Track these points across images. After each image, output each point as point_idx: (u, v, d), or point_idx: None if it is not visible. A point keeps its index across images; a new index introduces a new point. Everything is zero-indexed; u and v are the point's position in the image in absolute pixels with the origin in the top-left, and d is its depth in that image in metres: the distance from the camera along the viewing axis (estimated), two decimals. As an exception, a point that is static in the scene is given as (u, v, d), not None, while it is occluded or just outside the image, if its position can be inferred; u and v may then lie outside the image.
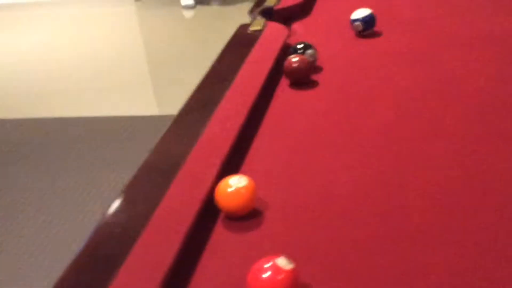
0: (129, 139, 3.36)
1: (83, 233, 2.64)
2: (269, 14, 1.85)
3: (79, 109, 3.85)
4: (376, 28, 1.73)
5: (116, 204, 1.06)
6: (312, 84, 1.49)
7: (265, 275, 0.84)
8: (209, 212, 1.04)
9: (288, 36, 1.71)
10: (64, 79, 4.34)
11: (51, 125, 3.68)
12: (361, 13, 1.70)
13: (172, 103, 3.82)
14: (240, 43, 1.68)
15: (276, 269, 0.84)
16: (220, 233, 1.02)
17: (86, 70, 4.43)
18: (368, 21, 1.70)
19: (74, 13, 5.67)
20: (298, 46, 1.54)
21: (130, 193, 1.09)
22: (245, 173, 1.13)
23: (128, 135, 3.42)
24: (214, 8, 4.95)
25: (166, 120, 1.38)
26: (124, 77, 4.22)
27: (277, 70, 1.52)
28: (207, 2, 4.50)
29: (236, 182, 1.03)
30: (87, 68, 4.47)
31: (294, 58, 1.47)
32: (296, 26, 1.84)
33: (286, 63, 1.48)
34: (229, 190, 1.03)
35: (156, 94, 4.09)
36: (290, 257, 0.86)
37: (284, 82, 1.50)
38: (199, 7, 5.26)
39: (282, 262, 0.85)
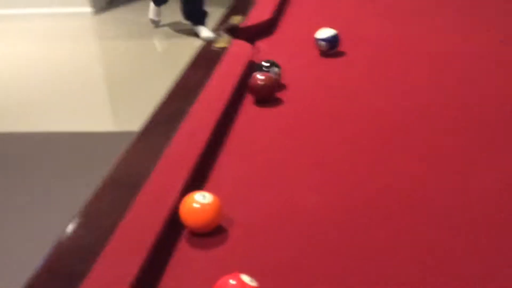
0: (88, 156, 3.31)
1: (42, 249, 2.58)
2: (235, 31, 1.85)
3: (37, 124, 3.78)
4: (340, 48, 1.74)
5: (76, 220, 1.04)
6: (276, 102, 1.49)
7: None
8: (173, 228, 1.03)
9: (253, 53, 1.71)
10: (20, 94, 4.26)
11: (7, 140, 3.60)
12: (325, 32, 1.72)
13: (131, 119, 3.78)
14: (205, 60, 1.67)
15: (242, 285, 0.83)
16: (184, 250, 1.00)
17: (43, 85, 4.36)
18: (332, 41, 1.72)
19: (30, 27, 5.58)
20: (264, 64, 1.54)
21: (91, 209, 1.07)
22: (210, 190, 1.12)
23: (87, 151, 3.36)
24: (178, 24, 4.93)
25: (126, 136, 1.36)
26: (83, 93, 4.16)
27: (242, 87, 1.51)
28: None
29: (201, 199, 1.02)
30: (44, 82, 4.40)
31: (259, 76, 1.47)
32: (261, 44, 1.84)
33: (251, 81, 1.48)
34: (194, 206, 1.02)
35: (115, 111, 4.05)
36: (253, 274, 0.85)
37: (249, 100, 1.50)
38: (166, 20, 5.24)
39: (246, 279, 0.84)
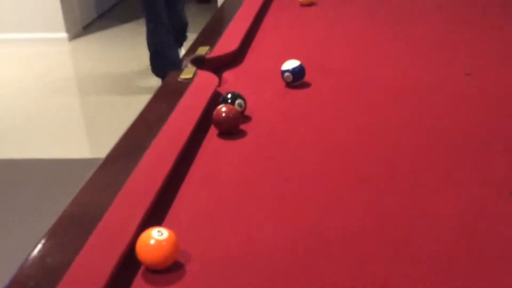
0: (56, 183, 3.28)
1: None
2: (200, 62, 1.85)
3: (4, 151, 3.74)
4: (305, 79, 1.76)
5: (32, 256, 1.02)
6: (240, 134, 1.49)
7: None
8: (129, 264, 1.02)
9: (218, 85, 1.72)
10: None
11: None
12: (291, 64, 1.73)
13: (105, 146, 3.76)
14: (170, 91, 1.68)
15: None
16: (140, 286, 0.99)
17: (17, 110, 4.33)
18: (298, 72, 1.73)
19: (5, 52, 5.55)
20: (228, 96, 1.55)
21: (47, 245, 1.06)
22: (169, 224, 1.11)
23: (59, 177, 3.33)
24: (147, 51, 4.94)
25: (98, 163, 1.35)
26: (55, 119, 4.14)
27: (206, 119, 1.52)
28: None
29: (157, 235, 1.01)
30: (18, 107, 4.37)
31: (223, 108, 1.47)
32: (227, 75, 1.85)
33: (215, 113, 1.48)
34: (150, 242, 1.01)
35: (90, 137, 4.03)
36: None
37: (213, 131, 1.50)
38: (135, 46, 5.24)
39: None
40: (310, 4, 2.55)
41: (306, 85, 1.76)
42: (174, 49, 4.16)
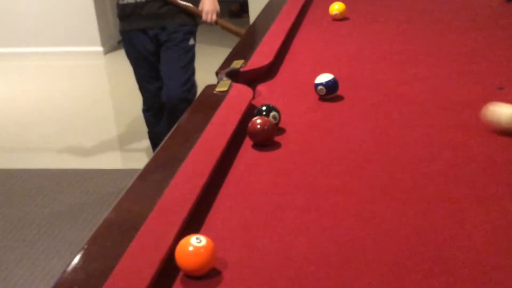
0: (92, 193, 3.35)
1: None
2: (235, 75, 1.89)
3: (43, 161, 3.83)
4: (338, 92, 1.78)
5: (75, 261, 1.06)
6: (275, 146, 1.52)
7: None
8: (168, 271, 1.05)
9: (253, 98, 1.76)
10: (33, 131, 4.33)
11: (13, 175, 3.64)
12: (324, 77, 1.76)
13: (138, 157, 3.83)
14: (206, 104, 1.72)
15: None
16: (178, 293, 1.03)
17: (51, 122, 4.43)
18: (331, 86, 1.75)
19: (41, 65, 5.69)
20: (262, 108, 1.58)
21: (90, 250, 1.10)
22: (206, 233, 1.15)
23: (91, 188, 3.40)
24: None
25: (131, 174, 1.40)
26: (93, 130, 4.22)
27: (241, 131, 1.55)
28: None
29: (195, 242, 1.04)
30: (52, 120, 4.47)
31: (258, 120, 1.51)
32: (261, 88, 1.88)
33: (250, 124, 1.51)
34: (189, 249, 1.04)
35: (123, 148, 4.10)
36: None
37: (247, 143, 1.53)
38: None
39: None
40: (342, 19, 2.57)
41: (339, 98, 1.78)
42: (155, 126, 3.37)
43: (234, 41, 2.35)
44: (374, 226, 1.18)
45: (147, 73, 3.23)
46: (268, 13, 2.64)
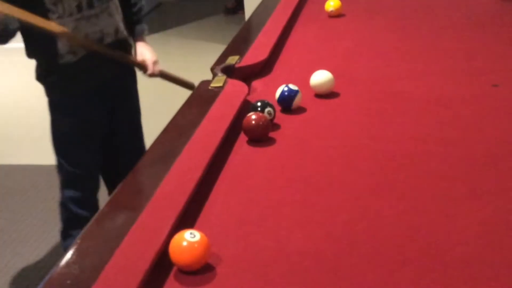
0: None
1: (32, 286, 2.59)
2: (230, 71, 1.89)
3: (37, 158, 3.81)
4: (334, 89, 1.78)
5: (68, 256, 1.06)
6: (269, 142, 1.52)
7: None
8: (162, 266, 1.05)
9: (248, 93, 1.75)
10: (23, 127, 4.31)
11: (6, 171, 3.63)
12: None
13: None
14: (201, 99, 1.71)
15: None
16: (172, 287, 1.02)
17: (45, 118, 4.40)
18: (284, 100, 1.66)
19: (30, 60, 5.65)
20: (258, 104, 1.57)
21: (83, 245, 1.09)
22: (200, 228, 1.14)
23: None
24: (176, 61, 4.99)
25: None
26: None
27: (236, 127, 1.55)
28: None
29: (189, 237, 1.04)
30: (46, 116, 4.44)
31: (253, 116, 1.50)
32: (256, 83, 1.88)
33: (245, 120, 1.51)
34: (183, 244, 1.04)
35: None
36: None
37: (242, 139, 1.53)
38: (164, 57, 5.30)
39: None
40: (338, 15, 2.57)
41: (334, 94, 1.78)
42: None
43: (230, 37, 2.34)
44: (368, 221, 1.18)
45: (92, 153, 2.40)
46: (263, 9, 2.63)
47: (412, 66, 2.01)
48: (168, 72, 2.60)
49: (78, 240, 1.09)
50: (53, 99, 2.29)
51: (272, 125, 1.56)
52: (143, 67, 2.39)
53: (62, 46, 2.13)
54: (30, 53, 2.23)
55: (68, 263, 1.04)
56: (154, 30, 6.21)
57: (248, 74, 1.91)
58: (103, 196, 2.45)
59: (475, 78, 1.87)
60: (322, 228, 1.17)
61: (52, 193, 3.29)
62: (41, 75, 2.26)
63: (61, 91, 2.25)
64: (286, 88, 1.66)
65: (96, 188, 2.41)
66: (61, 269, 1.03)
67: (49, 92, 2.27)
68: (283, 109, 1.67)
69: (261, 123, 1.50)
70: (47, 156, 3.77)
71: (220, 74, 1.84)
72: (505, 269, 1.02)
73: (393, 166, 1.39)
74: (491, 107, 1.67)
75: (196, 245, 1.04)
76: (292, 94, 1.65)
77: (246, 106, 1.62)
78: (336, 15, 2.56)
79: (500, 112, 1.63)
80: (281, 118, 1.61)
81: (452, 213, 1.19)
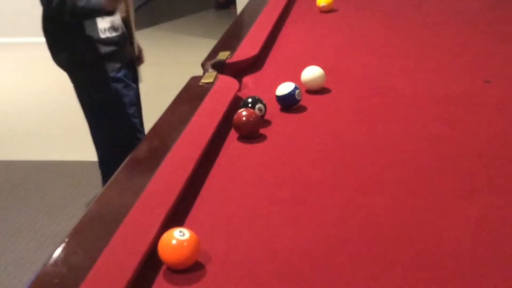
0: (76, 185, 3.31)
1: (21, 283, 2.58)
2: (221, 67, 1.87)
3: (26, 153, 3.79)
4: (325, 85, 1.77)
5: (56, 254, 1.04)
6: (260, 138, 1.51)
7: None
8: (151, 264, 1.04)
9: (239, 89, 1.74)
10: (13, 122, 4.28)
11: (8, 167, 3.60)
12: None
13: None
14: (191, 95, 1.70)
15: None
16: (161, 286, 1.01)
17: (35, 114, 4.38)
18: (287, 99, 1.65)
19: (22, 56, 5.62)
20: (248, 100, 1.56)
21: (71, 243, 1.08)
22: (190, 225, 1.13)
23: (76, 180, 3.37)
24: (167, 56, 4.97)
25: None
26: (75, 122, 4.17)
27: (227, 123, 1.53)
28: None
29: (178, 235, 1.03)
30: (36, 111, 4.42)
31: (243, 112, 1.49)
32: (247, 79, 1.87)
33: (235, 117, 1.50)
34: (172, 242, 1.03)
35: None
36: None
37: (233, 135, 1.52)
38: (154, 52, 5.28)
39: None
40: (330, 11, 2.56)
41: (326, 90, 1.77)
42: None
43: (220, 32, 2.33)
44: (359, 219, 1.18)
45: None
46: (255, 5, 2.62)
47: (404, 62, 2.01)
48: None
49: (66, 239, 1.08)
50: (99, 76, 2.33)
51: (262, 121, 1.55)
52: None
53: (103, 23, 2.25)
54: (68, 40, 2.28)
55: (56, 262, 1.03)
56: (145, 24, 6.20)
57: (239, 70, 1.90)
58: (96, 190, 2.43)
59: (468, 74, 1.87)
60: (312, 226, 1.16)
61: (42, 190, 3.28)
62: (81, 61, 2.31)
63: (107, 65, 2.31)
64: (297, 91, 1.64)
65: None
66: (49, 268, 1.02)
67: (93, 70, 2.32)
68: (283, 107, 1.66)
69: (251, 119, 1.49)
70: (37, 152, 3.78)
71: (210, 70, 1.83)
72: (495, 267, 1.02)
73: (384, 163, 1.39)
74: (483, 103, 1.66)
75: (185, 244, 1.02)
76: (298, 99, 1.65)
77: (237, 102, 1.61)
78: (327, 10, 2.56)
79: (492, 108, 1.63)
80: (272, 114, 1.60)
81: (443, 210, 1.19)
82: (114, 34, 2.30)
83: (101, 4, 2.10)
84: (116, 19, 2.31)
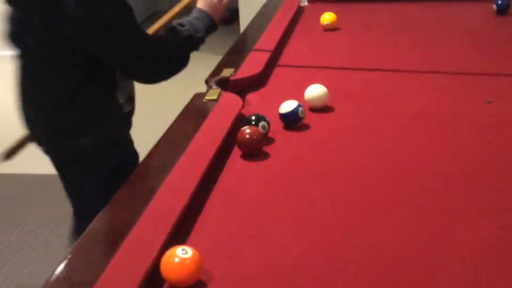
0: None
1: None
2: (225, 84, 1.88)
3: (26, 167, 3.78)
4: (329, 103, 1.77)
5: (58, 271, 1.04)
6: (263, 156, 1.51)
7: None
8: (153, 282, 1.03)
9: (242, 107, 1.74)
10: (12, 135, 4.27)
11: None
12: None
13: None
14: (195, 112, 1.70)
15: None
16: (163, 305, 1.01)
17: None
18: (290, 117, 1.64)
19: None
20: (252, 118, 1.56)
21: (74, 260, 1.08)
22: (192, 244, 1.13)
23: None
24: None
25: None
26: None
27: (230, 140, 1.53)
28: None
29: (181, 253, 1.02)
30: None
31: (247, 129, 1.49)
32: (251, 97, 1.87)
33: (239, 134, 1.50)
34: (175, 260, 1.02)
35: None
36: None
37: (236, 152, 1.52)
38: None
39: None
40: (333, 29, 2.57)
41: (329, 109, 1.77)
42: None
43: (223, 48, 2.33)
44: (363, 237, 1.17)
45: None
46: (259, 22, 2.63)
47: (407, 80, 2.01)
48: None
49: (68, 255, 1.07)
50: (121, 157, 1.85)
51: (266, 139, 1.55)
52: None
53: (121, 95, 1.80)
54: (89, 127, 1.77)
55: (57, 279, 1.03)
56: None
57: (243, 87, 1.90)
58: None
59: (470, 94, 1.87)
60: (315, 245, 1.16)
61: (41, 204, 3.27)
62: (101, 145, 1.80)
63: (127, 145, 1.93)
64: (301, 109, 1.63)
65: None
66: (50, 285, 1.02)
67: (116, 153, 1.85)
68: (286, 125, 1.65)
69: (255, 137, 1.49)
70: (37, 165, 3.77)
71: (214, 86, 1.83)
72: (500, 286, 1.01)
73: (388, 181, 1.38)
74: (485, 124, 1.66)
75: (188, 262, 1.02)
76: (302, 116, 1.64)
77: (241, 120, 1.61)
78: (331, 28, 2.56)
79: (494, 128, 1.63)
80: (275, 132, 1.60)
81: (447, 230, 1.19)
82: (130, 107, 1.86)
83: (211, 20, 1.80)
84: (132, 88, 1.88)
